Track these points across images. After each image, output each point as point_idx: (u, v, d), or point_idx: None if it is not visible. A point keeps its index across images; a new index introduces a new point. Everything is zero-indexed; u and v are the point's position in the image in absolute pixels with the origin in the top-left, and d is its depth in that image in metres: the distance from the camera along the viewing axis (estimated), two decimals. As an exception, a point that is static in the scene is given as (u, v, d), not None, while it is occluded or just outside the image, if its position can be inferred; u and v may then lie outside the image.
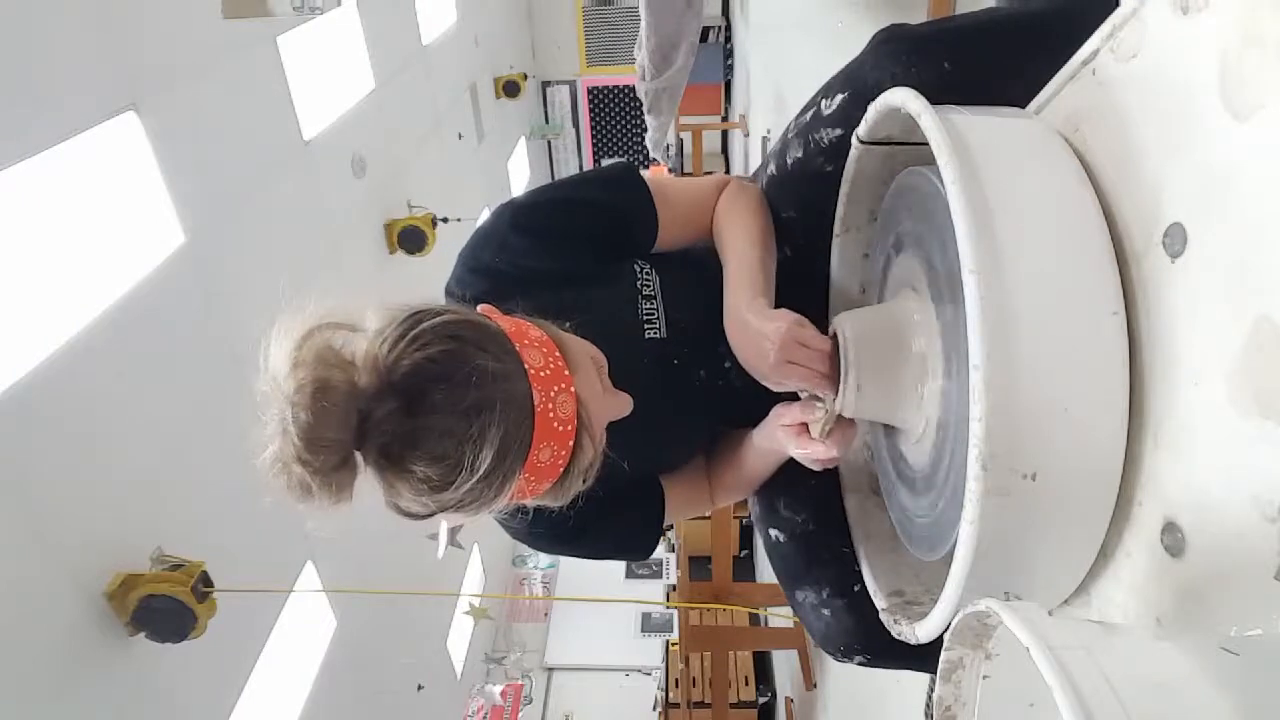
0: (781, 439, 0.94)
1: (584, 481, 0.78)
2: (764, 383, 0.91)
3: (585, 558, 1.07)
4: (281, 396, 0.63)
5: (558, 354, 0.73)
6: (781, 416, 0.94)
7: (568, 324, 0.89)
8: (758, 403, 1.06)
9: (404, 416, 0.66)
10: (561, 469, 0.72)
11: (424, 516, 0.71)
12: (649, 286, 1.00)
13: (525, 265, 0.96)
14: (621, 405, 0.83)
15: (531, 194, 1.02)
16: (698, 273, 1.05)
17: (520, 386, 0.69)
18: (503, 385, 0.68)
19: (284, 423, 0.63)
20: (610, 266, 1.00)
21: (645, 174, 1.04)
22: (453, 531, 4.30)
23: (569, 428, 0.71)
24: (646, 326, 0.98)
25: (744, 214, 1.03)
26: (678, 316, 0.99)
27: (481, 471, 0.66)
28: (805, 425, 0.91)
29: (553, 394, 0.70)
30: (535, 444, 0.69)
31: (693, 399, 1.02)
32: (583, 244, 0.99)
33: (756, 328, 0.90)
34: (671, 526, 6.91)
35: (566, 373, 0.72)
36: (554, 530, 0.98)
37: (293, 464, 0.64)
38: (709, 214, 1.06)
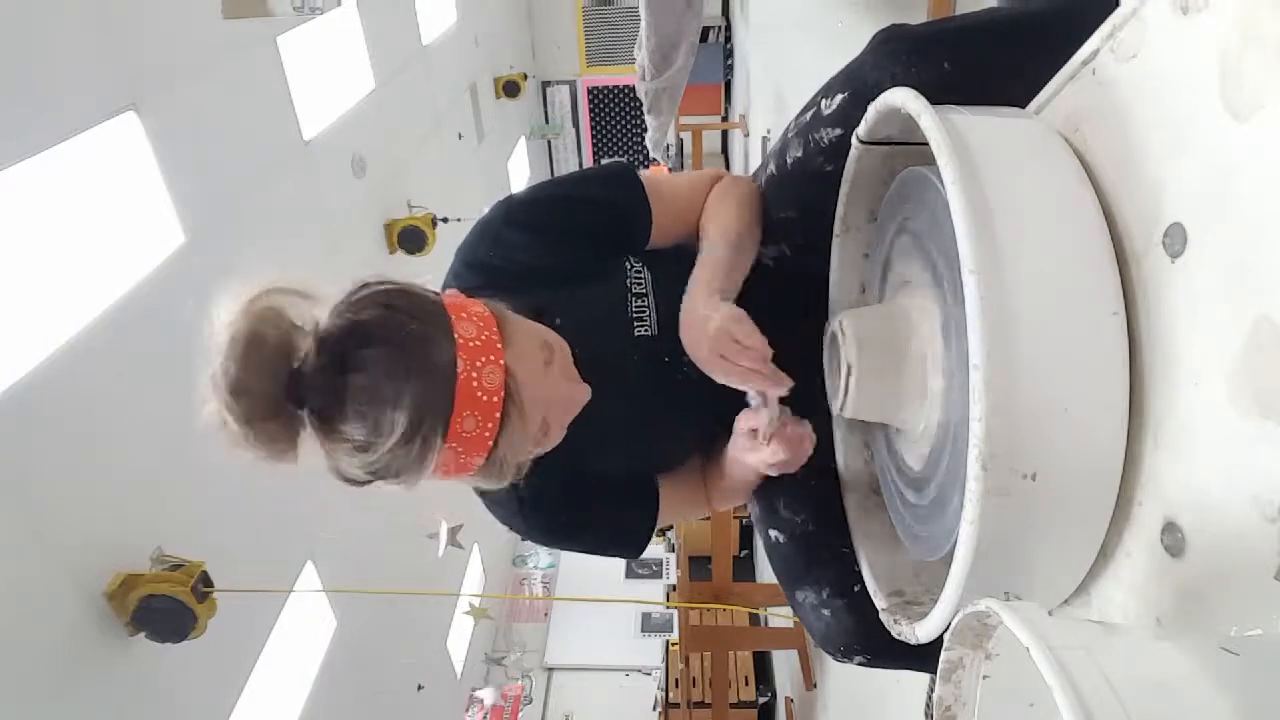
0: (737, 446, 0.96)
1: (519, 467, 0.79)
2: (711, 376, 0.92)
3: (579, 551, 1.08)
4: (215, 349, 0.68)
5: (495, 328, 0.75)
6: (739, 422, 0.95)
7: (557, 320, 0.92)
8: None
9: (332, 374, 0.69)
10: (489, 442, 0.73)
11: (362, 482, 0.73)
12: (640, 284, 1.00)
13: (519, 260, 0.97)
14: (574, 392, 0.83)
15: (528, 190, 1.03)
16: (685, 269, 1.04)
17: (445, 353, 0.71)
18: (425, 349, 0.70)
19: (214, 375, 0.67)
20: (603, 264, 1.01)
21: (642, 173, 1.04)
22: (453, 531, 4.30)
23: (495, 399, 0.72)
24: (636, 324, 0.99)
25: (725, 214, 1.03)
26: (669, 314, 0.99)
27: (400, 433, 0.68)
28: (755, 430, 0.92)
29: (479, 364, 0.71)
30: (457, 410, 0.70)
31: (684, 396, 1.01)
32: (577, 241, 0.99)
33: (700, 318, 0.91)
34: (671, 527, 6.92)
35: (499, 346, 0.74)
36: (550, 523, 0.99)
37: (225, 415, 0.67)
38: (698, 203, 1.06)
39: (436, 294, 0.78)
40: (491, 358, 0.73)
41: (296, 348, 0.70)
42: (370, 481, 0.73)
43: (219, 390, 0.67)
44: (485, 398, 0.72)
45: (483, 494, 0.98)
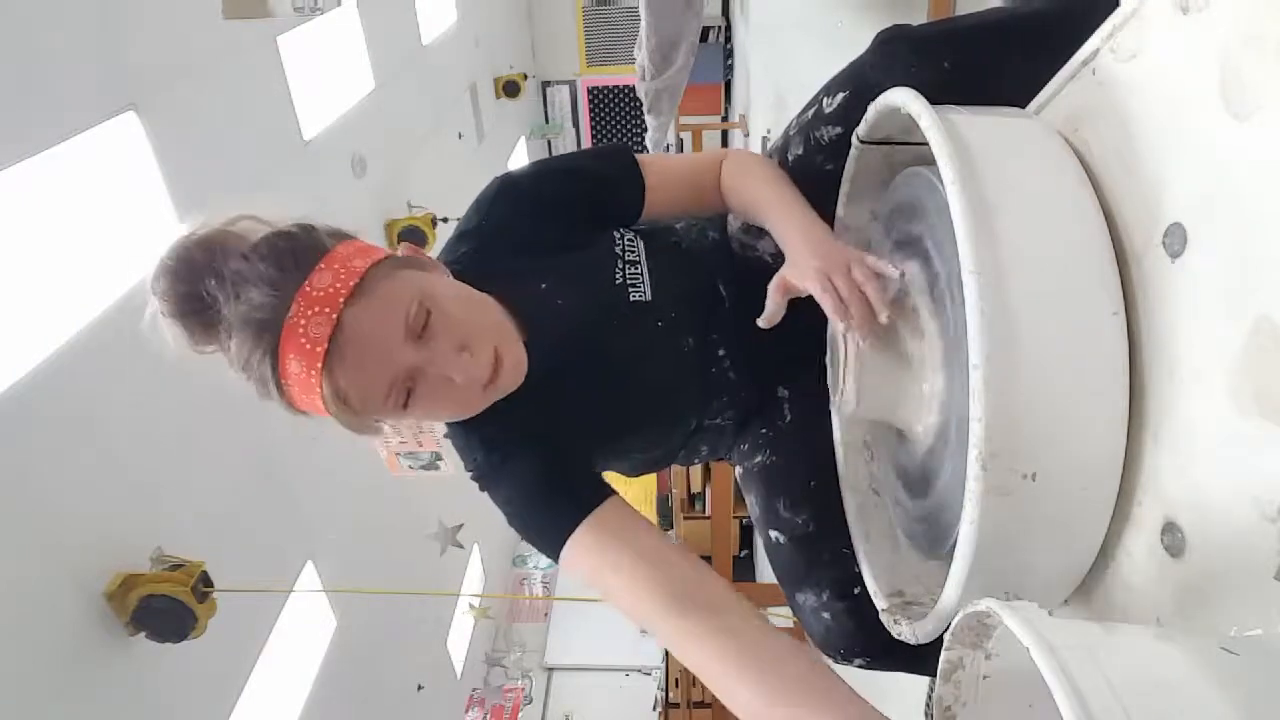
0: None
1: (382, 421, 0.86)
2: (800, 282, 0.86)
3: (509, 511, 0.94)
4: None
5: (352, 283, 0.79)
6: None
7: (544, 284, 0.95)
8: (750, 393, 1.06)
9: (217, 295, 0.79)
10: (317, 387, 0.78)
11: (263, 396, 0.82)
12: (633, 252, 1.01)
13: (505, 228, 0.99)
14: (455, 365, 0.81)
15: (523, 168, 1.05)
16: (689, 260, 1.06)
17: (286, 295, 0.77)
18: (275, 290, 0.78)
19: (156, 270, 0.81)
20: (593, 234, 1.01)
21: (649, 143, 1.07)
22: (453, 531, 4.30)
23: (318, 348, 0.76)
24: (630, 289, 0.98)
25: (759, 168, 1.03)
26: (664, 285, 1.00)
27: (242, 358, 0.79)
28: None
29: (311, 312, 0.77)
30: (282, 350, 0.77)
31: (679, 364, 1.01)
32: (567, 211, 1.00)
33: (831, 237, 0.91)
34: (672, 525, 6.91)
35: (340, 300, 0.77)
36: (496, 469, 0.93)
37: (153, 308, 0.81)
38: (710, 178, 1.05)
39: (340, 239, 0.84)
40: (325, 309, 0.77)
41: (205, 267, 0.81)
42: (262, 398, 0.82)
43: (149, 289, 0.81)
44: (308, 345, 0.76)
45: (471, 472, 0.96)
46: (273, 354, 0.77)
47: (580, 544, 0.85)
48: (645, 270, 1.00)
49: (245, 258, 0.80)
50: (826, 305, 0.83)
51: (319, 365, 0.77)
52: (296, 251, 0.80)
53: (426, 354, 0.81)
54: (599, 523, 0.86)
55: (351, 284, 0.79)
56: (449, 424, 0.97)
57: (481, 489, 0.96)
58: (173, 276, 0.80)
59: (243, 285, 0.78)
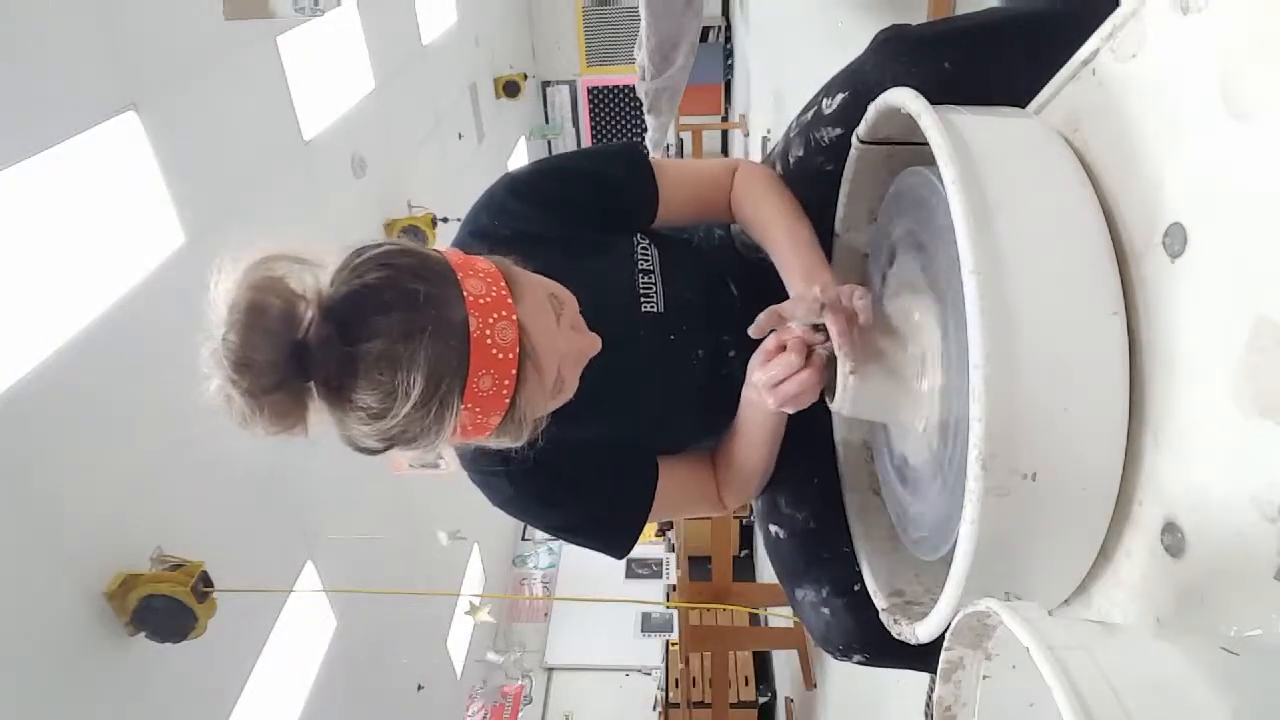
0: (751, 367, 0.90)
1: (535, 423, 0.78)
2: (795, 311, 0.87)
3: (562, 531, 1.03)
4: (215, 322, 0.65)
5: (503, 284, 0.73)
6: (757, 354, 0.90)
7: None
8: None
9: (339, 343, 0.67)
10: (507, 400, 0.71)
11: (377, 451, 0.72)
12: (647, 260, 1.00)
13: (521, 230, 0.96)
14: (585, 343, 0.82)
15: (532, 163, 1.03)
16: (701, 259, 1.05)
17: (456, 312, 0.69)
18: (437, 310, 0.68)
19: (216, 349, 0.64)
20: (607, 238, 1.00)
21: (653, 156, 1.05)
22: (452, 534, 4.30)
23: (510, 355, 0.70)
24: (643, 299, 0.98)
25: (772, 192, 1.03)
26: (677, 294, 0.99)
27: (416, 396, 0.66)
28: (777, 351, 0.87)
29: (491, 320, 0.70)
30: (473, 370, 0.69)
31: (688, 377, 1.01)
32: (579, 212, 0.99)
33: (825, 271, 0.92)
34: (672, 526, 6.91)
35: (509, 301, 0.72)
36: (538, 489, 0.95)
37: (230, 390, 0.64)
38: (721, 192, 1.05)
39: (439, 252, 0.76)
40: (503, 314, 0.71)
41: (300, 316, 0.67)
42: (386, 449, 0.72)
43: (222, 365, 0.64)
44: (501, 355, 0.70)
45: (468, 464, 0.96)
46: (462, 377, 0.68)
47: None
48: (659, 279, 0.99)
49: (362, 287, 0.68)
50: (836, 336, 0.81)
51: (514, 373, 0.71)
52: (429, 264, 0.71)
53: (566, 338, 0.79)
54: (656, 506, 1.01)
55: (503, 284, 0.73)
56: (472, 467, 0.96)
57: (511, 514, 0.99)
58: (261, 336, 0.64)
59: (371, 318, 0.66)
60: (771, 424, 0.99)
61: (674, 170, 1.05)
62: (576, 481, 0.98)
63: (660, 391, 1.00)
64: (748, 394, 0.97)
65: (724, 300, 1.03)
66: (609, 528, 1.02)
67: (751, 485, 1.06)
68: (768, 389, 0.85)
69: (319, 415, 0.70)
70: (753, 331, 0.86)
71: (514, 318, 0.71)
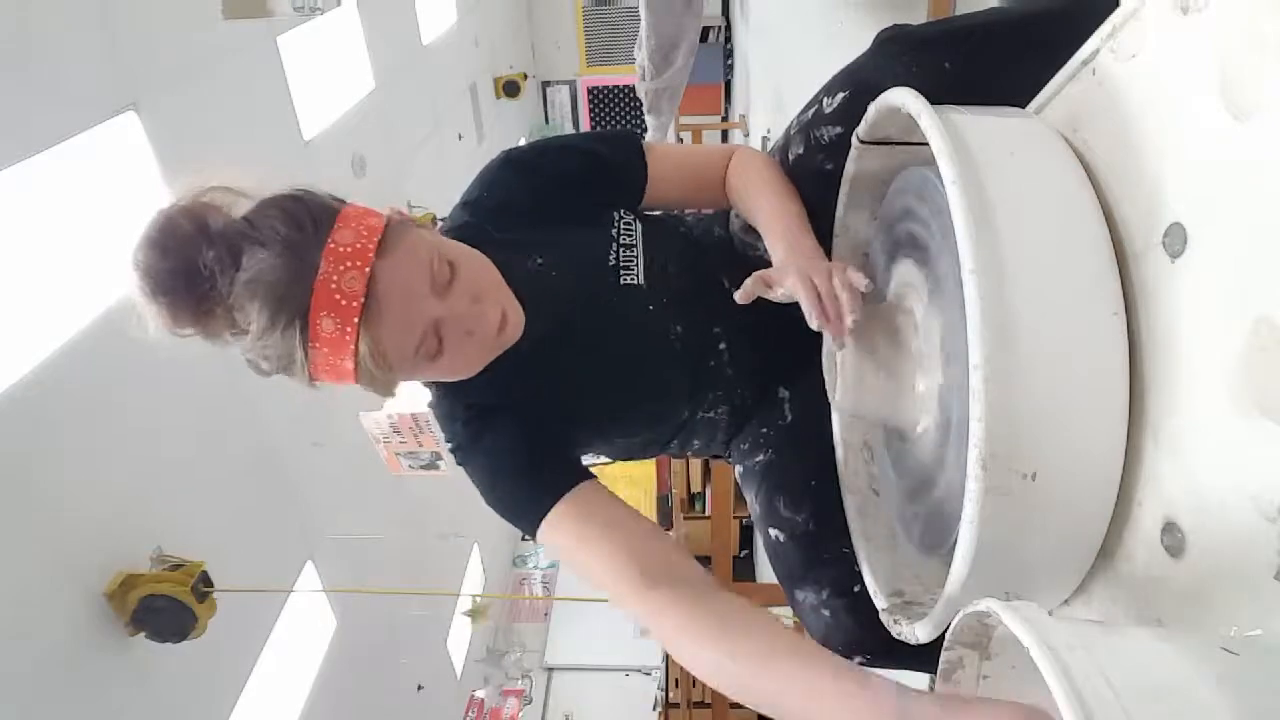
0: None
1: (404, 379, 0.84)
2: (781, 277, 0.85)
3: (481, 481, 0.95)
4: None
5: (376, 239, 0.78)
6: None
7: (539, 258, 0.96)
8: (746, 389, 1.06)
9: (221, 267, 0.76)
10: (350, 345, 0.76)
11: (264, 373, 0.81)
12: (630, 235, 1.01)
13: (506, 200, 1.00)
14: (473, 314, 0.84)
15: (528, 143, 1.07)
16: (693, 249, 1.06)
17: (313, 256, 0.76)
18: (294, 252, 0.76)
19: (132, 251, 0.78)
20: (593, 212, 1.02)
21: (648, 142, 1.07)
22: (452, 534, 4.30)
23: (354, 304, 0.76)
24: (623, 271, 0.99)
25: (766, 172, 1.04)
26: (659, 269, 1.01)
27: (264, 322, 0.75)
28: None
29: (342, 268, 0.76)
30: (314, 309, 0.75)
31: (666, 352, 1.01)
32: (568, 188, 1.02)
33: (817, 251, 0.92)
34: (671, 525, 6.90)
35: (370, 254, 0.77)
36: (473, 437, 0.94)
37: (133, 289, 0.77)
38: (715, 171, 1.07)
39: (340, 203, 0.83)
40: (357, 263, 0.76)
41: (207, 241, 0.77)
42: (269, 374, 0.80)
43: (129, 265, 0.77)
44: (343, 301, 0.75)
45: (452, 447, 0.96)
46: (302, 315, 0.75)
47: (555, 523, 0.88)
48: (640, 253, 1.01)
49: (250, 223, 0.78)
50: (803, 298, 0.82)
51: (355, 320, 0.76)
52: (312, 212, 0.79)
53: (447, 306, 0.83)
54: (574, 503, 0.89)
55: (376, 240, 0.78)
56: (436, 393, 0.99)
57: (458, 462, 0.97)
58: (159, 250, 0.77)
59: (252, 250, 0.76)
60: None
61: (669, 151, 1.08)
62: (508, 439, 0.93)
63: (635, 361, 1.01)
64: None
65: (716, 295, 1.03)
66: (519, 501, 0.93)
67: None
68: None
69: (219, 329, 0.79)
70: (739, 297, 0.86)
71: (367, 269, 0.76)
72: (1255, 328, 0.50)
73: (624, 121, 9.36)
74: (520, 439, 0.94)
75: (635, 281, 0.99)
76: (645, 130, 4.52)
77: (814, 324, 0.82)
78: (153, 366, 2.71)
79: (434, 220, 5.22)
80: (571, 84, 9.40)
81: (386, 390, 0.83)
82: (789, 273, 0.84)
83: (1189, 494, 0.57)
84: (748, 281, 0.86)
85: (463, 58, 7.04)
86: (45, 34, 2.47)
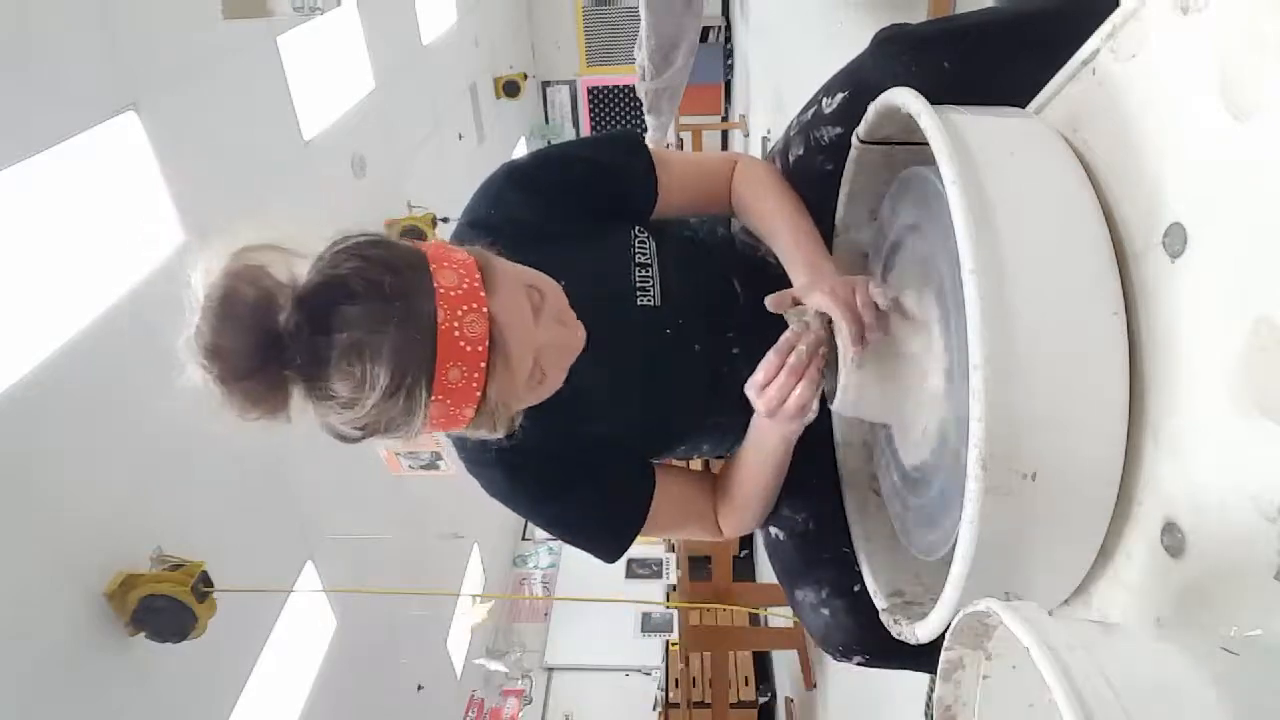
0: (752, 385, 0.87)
1: (513, 416, 0.79)
2: (807, 299, 0.86)
3: (554, 528, 1.03)
4: (194, 308, 0.68)
5: (477, 275, 0.73)
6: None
7: (562, 281, 0.91)
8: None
9: (309, 332, 0.68)
10: (478, 393, 0.72)
11: (356, 439, 0.73)
12: (644, 254, 0.99)
13: (517, 219, 0.96)
14: (567, 335, 0.82)
15: (530, 154, 1.02)
16: (703, 254, 1.05)
17: (425, 304, 0.70)
18: (404, 302, 0.69)
19: (188, 337, 0.67)
20: (605, 228, 0.99)
21: (652, 146, 1.03)
22: (452, 534, 4.30)
23: (479, 349, 0.71)
24: (640, 293, 0.97)
25: (772, 185, 1.02)
26: (675, 288, 0.99)
27: (384, 387, 0.67)
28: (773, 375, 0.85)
29: (460, 313, 0.70)
30: (440, 362, 0.69)
31: (687, 371, 1.00)
32: (576, 201, 0.98)
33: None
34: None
35: (481, 294, 0.72)
36: (536, 483, 0.97)
37: (204, 376, 0.67)
38: (721, 183, 1.05)
39: (416, 245, 0.77)
40: (474, 305, 0.71)
41: (275, 305, 0.69)
42: (362, 437, 0.72)
43: (194, 352, 0.67)
44: (469, 348, 0.70)
45: (464, 453, 0.96)
46: (429, 369, 0.69)
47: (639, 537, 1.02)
48: (656, 272, 0.99)
49: (328, 277, 0.69)
50: (837, 313, 0.81)
51: (483, 365, 0.71)
52: (401, 256, 0.72)
53: (545, 331, 0.79)
54: (651, 518, 1.01)
55: (478, 277, 0.73)
56: (470, 460, 0.97)
57: (511, 507, 0.99)
58: (228, 325, 0.66)
59: (342, 308, 0.67)
60: (776, 450, 0.96)
61: (675, 160, 1.05)
62: (572, 478, 0.98)
63: (658, 385, 1.00)
64: (755, 420, 0.96)
65: (727, 298, 1.03)
66: (601, 530, 1.02)
67: (749, 513, 1.04)
68: (755, 391, 0.85)
69: (300, 403, 0.71)
70: (769, 305, 0.87)
71: (485, 310, 0.72)
72: (1255, 328, 0.50)
73: (624, 122, 9.37)
74: (578, 484, 0.97)
75: (652, 303, 0.98)
76: (645, 130, 4.52)
77: (847, 344, 0.81)
78: (153, 366, 2.71)
79: (433, 220, 5.23)
80: (571, 84, 9.40)
81: (494, 429, 0.78)
82: (813, 296, 0.85)
83: (1189, 494, 0.57)
84: (772, 299, 0.87)
85: (463, 58, 7.04)
86: (45, 34, 2.47)
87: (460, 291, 0.71)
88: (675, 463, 1.15)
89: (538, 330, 0.78)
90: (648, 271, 0.99)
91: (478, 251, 0.78)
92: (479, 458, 0.96)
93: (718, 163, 1.07)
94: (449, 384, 0.70)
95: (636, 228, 1.01)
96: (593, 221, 0.99)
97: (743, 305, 1.02)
